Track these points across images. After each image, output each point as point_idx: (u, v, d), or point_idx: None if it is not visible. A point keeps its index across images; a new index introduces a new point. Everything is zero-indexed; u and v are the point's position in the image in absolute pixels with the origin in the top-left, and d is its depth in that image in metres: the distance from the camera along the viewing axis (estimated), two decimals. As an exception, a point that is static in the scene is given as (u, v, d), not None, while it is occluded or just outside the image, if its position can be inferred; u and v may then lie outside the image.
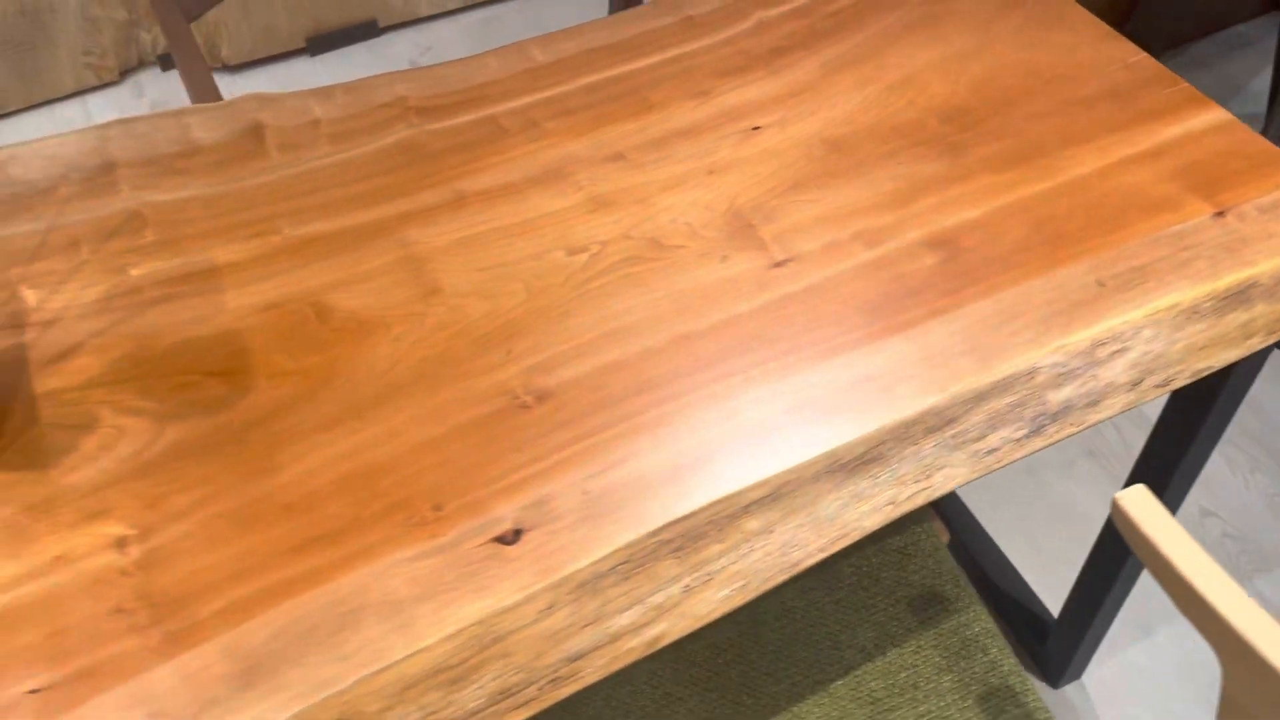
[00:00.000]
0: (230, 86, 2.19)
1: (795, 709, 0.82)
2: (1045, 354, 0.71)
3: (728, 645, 0.85)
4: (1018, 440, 0.71)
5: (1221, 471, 1.54)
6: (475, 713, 0.59)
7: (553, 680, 0.60)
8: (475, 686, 0.59)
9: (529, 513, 0.63)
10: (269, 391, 0.69)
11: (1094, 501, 1.49)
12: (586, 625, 0.61)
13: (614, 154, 0.86)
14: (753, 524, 0.64)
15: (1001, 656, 0.84)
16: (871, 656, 0.85)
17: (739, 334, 0.72)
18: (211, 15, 2.12)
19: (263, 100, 0.90)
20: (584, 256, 0.78)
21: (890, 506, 0.68)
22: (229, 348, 0.72)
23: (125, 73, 2.20)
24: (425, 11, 2.33)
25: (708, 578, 0.64)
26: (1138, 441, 1.57)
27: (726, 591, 0.64)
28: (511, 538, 0.62)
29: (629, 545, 0.62)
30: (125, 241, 0.79)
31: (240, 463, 0.66)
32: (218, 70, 2.22)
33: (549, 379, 0.70)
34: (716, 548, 0.64)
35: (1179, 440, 0.96)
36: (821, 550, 0.66)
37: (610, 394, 0.69)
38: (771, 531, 0.65)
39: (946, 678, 0.83)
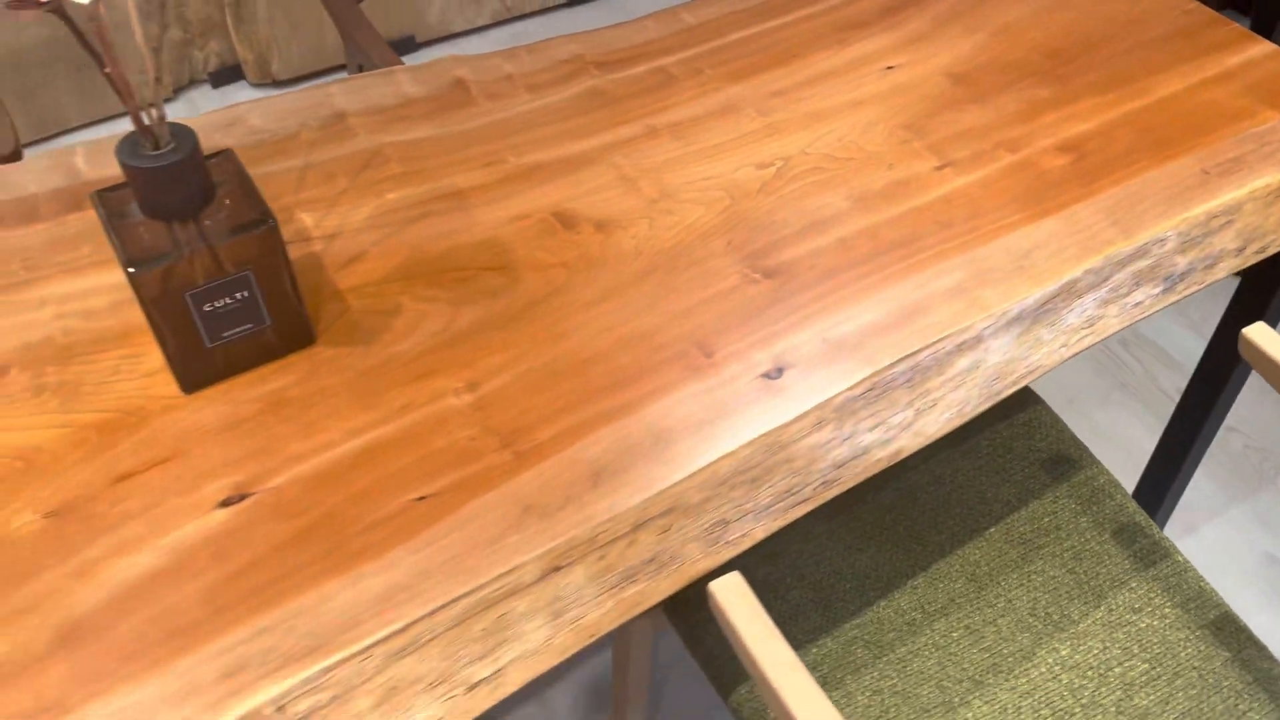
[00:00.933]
0: (281, 100, 2.30)
1: (958, 552, 0.96)
2: (1172, 225, 0.86)
3: (890, 506, 0.99)
4: (1155, 295, 0.86)
5: (1239, 390, 1.71)
6: (769, 506, 0.72)
7: (823, 483, 0.74)
8: (768, 485, 0.72)
9: (784, 356, 0.77)
10: (537, 280, 0.82)
11: (1131, 427, 1.66)
12: (845, 440, 0.75)
13: (774, 92, 1.00)
14: (963, 361, 0.79)
15: (1125, 500, 0.99)
16: (1016, 508, 0.99)
17: (917, 222, 0.87)
18: (264, 34, 2.24)
19: (458, 60, 1.03)
20: (771, 170, 0.92)
21: (1063, 349, 0.83)
22: (493, 249, 0.85)
23: (179, 90, 2.31)
24: (459, 27, 2.48)
25: (932, 404, 0.78)
26: (1162, 375, 1.75)
27: (948, 414, 0.78)
28: (776, 374, 0.75)
29: (871, 376, 0.76)
30: (375, 173, 0.91)
31: (532, 332, 0.78)
32: (268, 85, 2.34)
33: (770, 261, 0.84)
34: (937, 379, 0.78)
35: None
36: (1015, 383, 0.80)
37: (823, 270, 0.83)
38: (978, 367, 0.79)
39: (1083, 519, 0.97)
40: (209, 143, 0.94)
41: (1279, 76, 1.02)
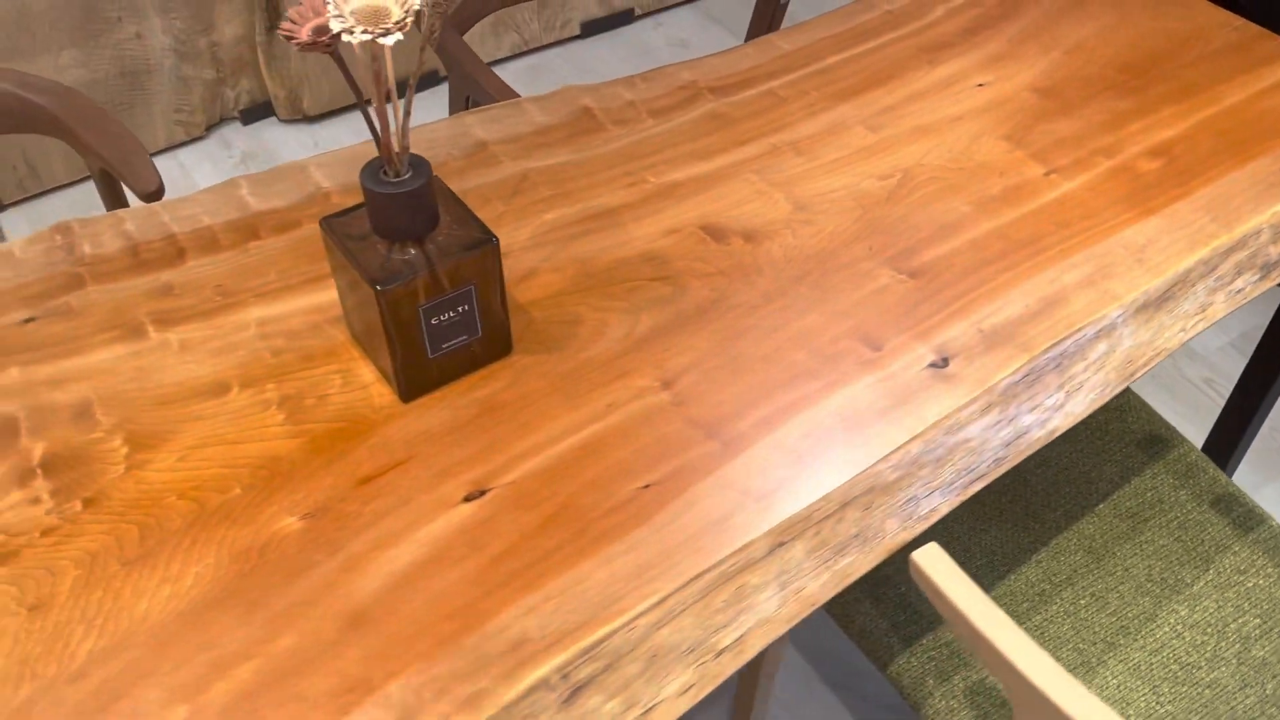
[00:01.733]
0: (313, 135, 2.36)
1: (1073, 527, 1.04)
2: (1265, 219, 0.95)
3: (1005, 490, 1.06)
4: (1254, 282, 0.95)
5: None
6: (952, 483, 0.79)
7: (995, 461, 0.81)
8: (950, 464, 0.79)
9: (945, 347, 0.84)
10: (702, 287, 0.89)
11: (1166, 415, 1.76)
12: (1010, 421, 0.82)
13: (879, 110, 1.08)
14: (1101, 346, 0.87)
15: (1216, 474, 1.07)
16: (1119, 485, 1.07)
17: (1037, 223, 0.95)
18: (296, 71, 2.29)
19: (582, 89, 1.10)
20: (893, 181, 1.00)
21: (1181, 333, 0.91)
22: (654, 261, 0.92)
23: (210, 127, 2.35)
24: (481, 60, 2.54)
25: (1078, 386, 0.85)
26: (1186, 367, 1.85)
27: (1092, 396, 0.86)
28: (942, 364, 0.83)
29: (1027, 362, 0.83)
30: (527, 197, 0.98)
31: (708, 334, 0.85)
32: (299, 121, 2.39)
33: (912, 262, 0.91)
34: (1080, 364, 0.86)
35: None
36: (1145, 365, 0.89)
37: (961, 269, 0.91)
38: (1113, 351, 0.87)
39: (1182, 492, 1.05)
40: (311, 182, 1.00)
41: (1330, 83, 1.12)
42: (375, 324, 0.77)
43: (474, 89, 1.24)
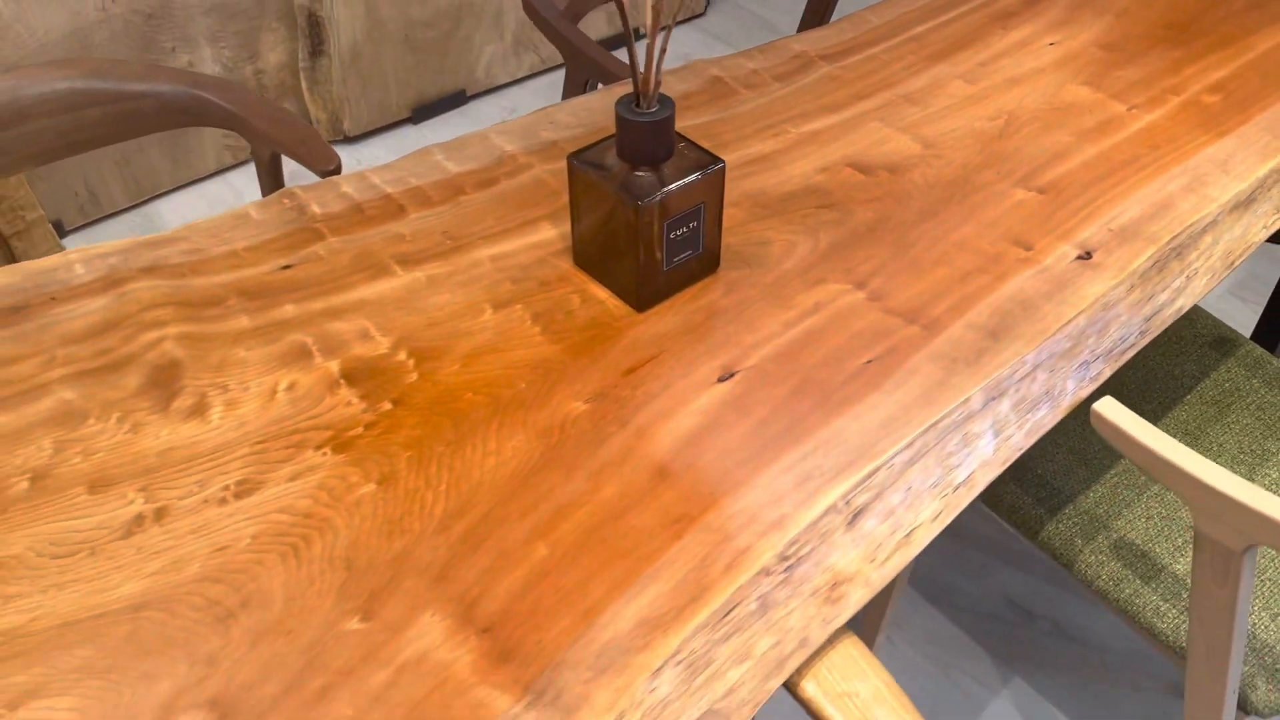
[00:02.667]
0: (354, 155, 2.45)
1: (1168, 415, 1.18)
2: (1318, 135, 1.12)
3: (1106, 388, 1.20)
4: (1316, 188, 1.11)
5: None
6: (1110, 350, 0.93)
7: (1141, 333, 0.95)
8: (1108, 335, 0.93)
9: (1086, 243, 0.98)
10: (865, 210, 1.02)
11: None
12: (1148, 300, 0.96)
13: (971, 68, 1.23)
14: (1208, 239, 1.02)
15: (1279, 365, 1.23)
16: (1200, 379, 1.22)
17: (1133, 147, 1.10)
18: (337, 95, 2.40)
19: (709, 62, 1.23)
20: (1001, 121, 1.14)
21: (1264, 230, 1.06)
22: (816, 193, 1.05)
23: (256, 153, 2.44)
24: (502, 80, 2.67)
25: (1195, 271, 1.00)
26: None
27: (1206, 278, 1.00)
28: (1087, 256, 0.97)
29: (1154, 252, 0.97)
30: (689, 148, 1.10)
31: (882, 246, 0.98)
32: (339, 142, 2.48)
33: (1038, 181, 1.06)
34: (1195, 253, 1.00)
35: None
36: (1243, 254, 1.03)
37: (1081, 184, 1.05)
38: (1218, 243, 1.02)
39: (1254, 380, 1.20)
40: (540, 137, 1.12)
41: (1342, 30, 1.30)
42: (618, 243, 0.88)
43: (595, 72, 1.37)
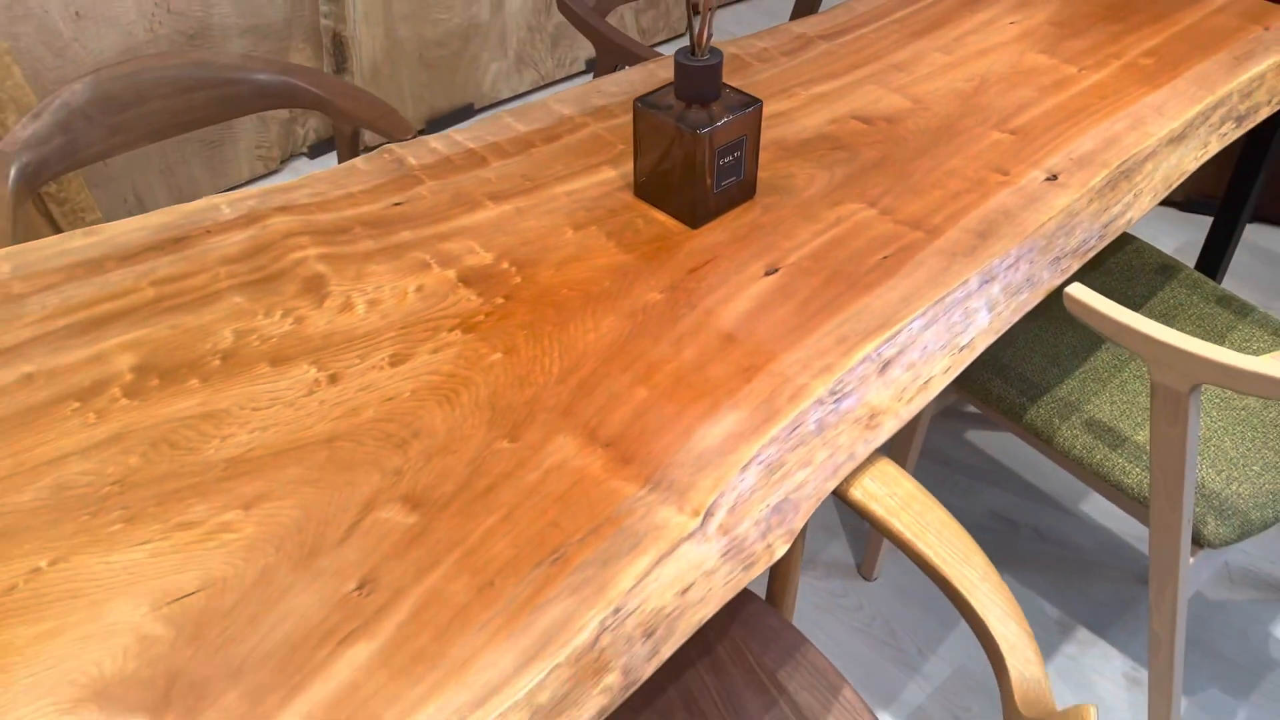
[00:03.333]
0: (374, 163, 2.63)
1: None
2: (1233, 86, 1.34)
3: (1068, 314, 1.40)
4: (1233, 129, 1.32)
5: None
6: (1076, 249, 1.13)
7: (1099, 237, 1.15)
8: (1074, 236, 1.13)
9: (1052, 168, 1.19)
10: (868, 150, 1.22)
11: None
12: (1105, 211, 1.17)
13: (947, 42, 1.45)
14: (1149, 165, 1.23)
15: (1214, 286, 1.44)
16: (1149, 297, 1.43)
17: (1085, 98, 1.31)
18: (358, 107, 2.58)
19: (727, 42, 1.44)
20: (975, 81, 1.35)
21: (1194, 160, 1.27)
22: (828, 139, 1.25)
23: (284, 161, 2.61)
24: (506, 94, 2.87)
25: (1140, 192, 1.21)
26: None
27: (1148, 198, 1.21)
28: (1053, 178, 1.17)
29: (1106, 174, 1.18)
30: (717, 109, 1.30)
31: (887, 176, 1.18)
32: (360, 151, 2.66)
33: (1010, 124, 1.26)
34: (1140, 176, 1.21)
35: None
36: (1180, 178, 1.24)
37: (1045, 126, 1.26)
38: (1159, 169, 1.23)
39: (1194, 296, 1.41)
40: (592, 102, 1.31)
41: (1249, 10, 1.53)
42: (675, 171, 1.08)
43: (624, 57, 1.56)
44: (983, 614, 0.81)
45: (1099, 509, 1.71)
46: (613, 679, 0.73)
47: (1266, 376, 0.95)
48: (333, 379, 0.92)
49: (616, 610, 0.74)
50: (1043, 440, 1.26)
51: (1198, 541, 1.16)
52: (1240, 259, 2.29)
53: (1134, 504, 1.20)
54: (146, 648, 0.71)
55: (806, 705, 0.98)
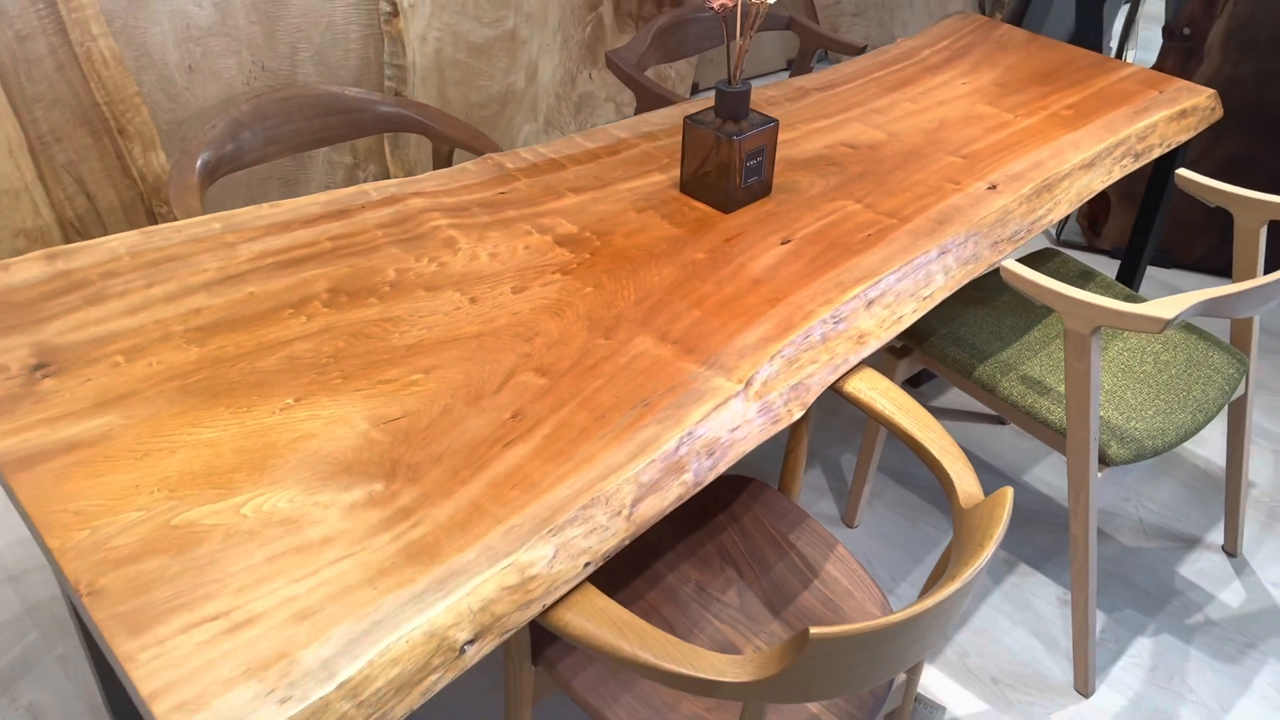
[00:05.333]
0: (423, 205, 2.98)
1: (1051, 316, 1.73)
2: (1131, 131, 1.71)
3: (1009, 305, 1.75)
4: (1133, 161, 1.69)
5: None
6: (1011, 237, 1.48)
7: (1028, 230, 1.50)
8: (1010, 227, 1.48)
9: (991, 181, 1.54)
10: (856, 167, 1.58)
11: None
12: (1033, 210, 1.52)
13: (914, 95, 1.82)
14: (1065, 182, 1.59)
15: (1124, 288, 1.79)
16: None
17: (1021, 136, 1.68)
18: (413, 157, 2.94)
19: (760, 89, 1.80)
20: (937, 122, 1.72)
21: (1102, 183, 1.64)
22: (822, 159, 1.60)
23: (346, 203, 2.96)
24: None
25: (1059, 200, 1.56)
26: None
27: (1064, 207, 1.57)
28: (993, 188, 1.53)
29: (1035, 185, 1.54)
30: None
31: (868, 184, 1.53)
32: (411, 196, 3.01)
33: (962, 152, 1.63)
34: (1060, 190, 1.57)
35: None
36: (1089, 194, 1.60)
37: (989, 154, 1.62)
38: (1073, 186, 1.59)
39: (1110, 293, 1.77)
40: (642, 129, 1.66)
41: (1146, 80, 1.92)
42: (715, 168, 1.42)
43: (657, 103, 1.93)
44: (939, 458, 1.13)
45: (1038, 479, 2.04)
46: (687, 476, 1.05)
47: (1141, 315, 1.29)
48: (472, 300, 1.25)
49: (689, 433, 1.06)
50: (986, 390, 1.59)
51: (1104, 461, 1.49)
52: (1147, 290, 2.66)
53: (1056, 436, 1.53)
54: (371, 445, 1.02)
55: (810, 557, 1.29)
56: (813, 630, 0.82)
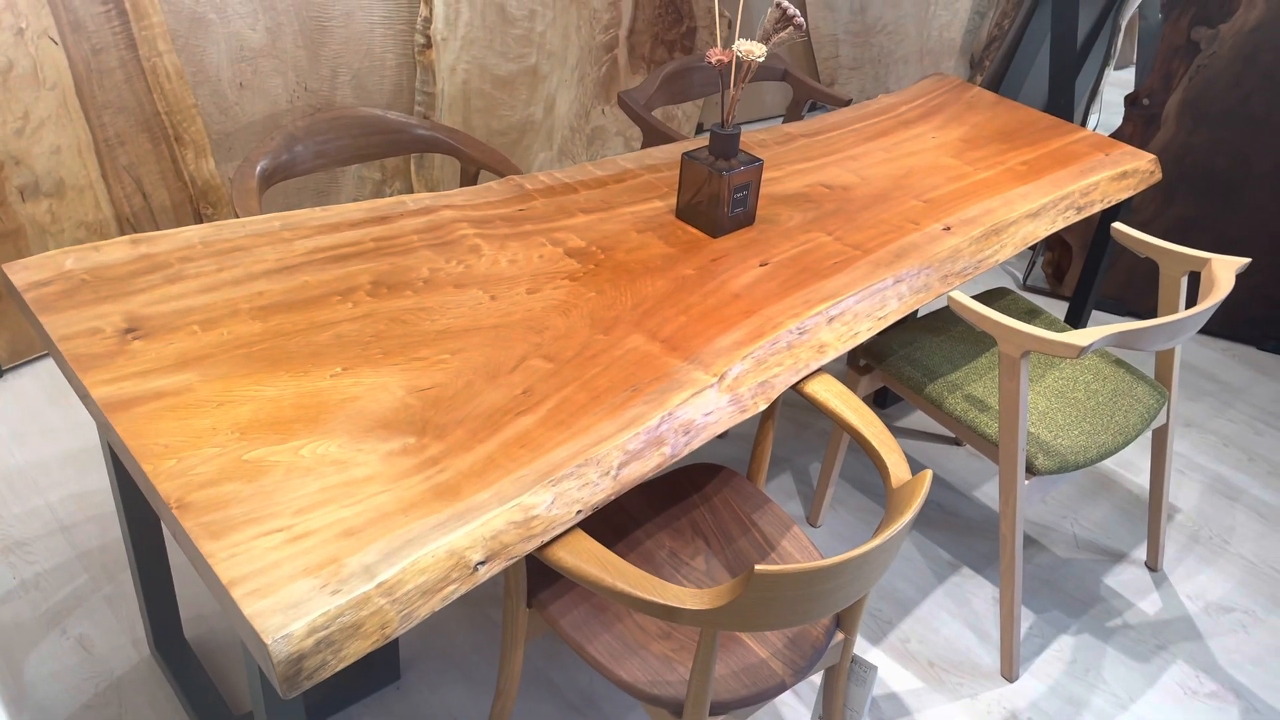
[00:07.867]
0: (443, 221, 3.19)
1: (994, 347, 1.94)
2: (1075, 188, 1.92)
3: (963, 335, 1.96)
4: (1075, 214, 1.90)
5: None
6: (963, 271, 1.68)
7: (976, 266, 1.70)
8: (963, 262, 1.68)
9: (946, 223, 1.75)
10: (830, 204, 1.78)
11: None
12: (985, 249, 1.72)
13: (888, 145, 2.03)
14: (1014, 226, 1.79)
15: (1067, 326, 1.99)
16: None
17: (981, 185, 1.89)
18: (436, 175, 3.15)
19: (752, 134, 2.01)
20: (904, 170, 1.93)
21: (1049, 228, 1.84)
22: (800, 196, 1.80)
23: (372, 215, 3.16)
24: (548, 177, 3.45)
25: (1004, 244, 1.77)
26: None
27: (1011, 248, 1.77)
28: (948, 229, 1.73)
29: (987, 229, 1.74)
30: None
31: (839, 220, 1.73)
32: (432, 212, 3.22)
33: (924, 197, 1.83)
34: (1010, 234, 1.78)
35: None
36: (1037, 239, 1.81)
37: (947, 200, 1.83)
38: (1020, 230, 1.79)
39: (1056, 328, 1.97)
40: (646, 162, 1.87)
41: (1096, 143, 2.13)
42: (706, 198, 1.62)
43: (662, 139, 2.14)
44: (878, 447, 1.32)
45: (985, 494, 2.22)
46: (666, 449, 1.24)
47: (1061, 342, 1.49)
48: (493, 298, 1.44)
49: (670, 414, 1.25)
50: (934, 406, 1.78)
51: (1032, 470, 1.68)
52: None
53: (991, 447, 1.72)
54: (406, 408, 1.21)
55: (770, 534, 1.48)
56: (757, 567, 1.00)
